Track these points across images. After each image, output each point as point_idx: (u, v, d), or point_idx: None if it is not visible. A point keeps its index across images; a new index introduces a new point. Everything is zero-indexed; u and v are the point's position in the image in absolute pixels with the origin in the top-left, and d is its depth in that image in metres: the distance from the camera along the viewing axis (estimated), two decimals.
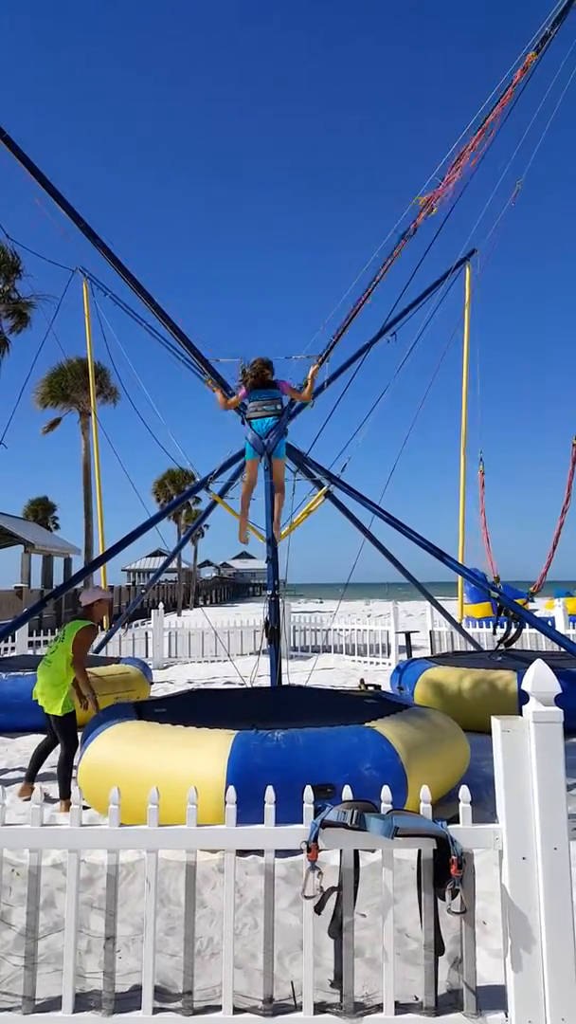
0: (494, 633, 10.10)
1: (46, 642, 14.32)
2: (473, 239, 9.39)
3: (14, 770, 6.84)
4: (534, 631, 13.04)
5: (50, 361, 27.69)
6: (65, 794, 5.78)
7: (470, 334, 12.78)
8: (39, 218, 7.99)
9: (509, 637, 9.53)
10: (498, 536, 10.64)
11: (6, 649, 13.41)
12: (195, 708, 6.40)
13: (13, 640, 13.59)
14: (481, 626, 15.51)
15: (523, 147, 7.36)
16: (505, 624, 9.64)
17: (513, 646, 9.79)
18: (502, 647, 9.64)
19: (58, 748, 6.03)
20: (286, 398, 7.53)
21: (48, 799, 5.74)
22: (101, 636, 13.78)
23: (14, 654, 13.02)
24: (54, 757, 6.24)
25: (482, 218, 8.25)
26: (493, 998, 2.72)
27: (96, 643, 13.47)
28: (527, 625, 9.67)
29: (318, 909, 2.80)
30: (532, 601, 9.73)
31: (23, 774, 6.63)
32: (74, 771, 5.81)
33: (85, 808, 5.38)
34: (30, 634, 14.38)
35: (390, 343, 9.82)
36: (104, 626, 14.10)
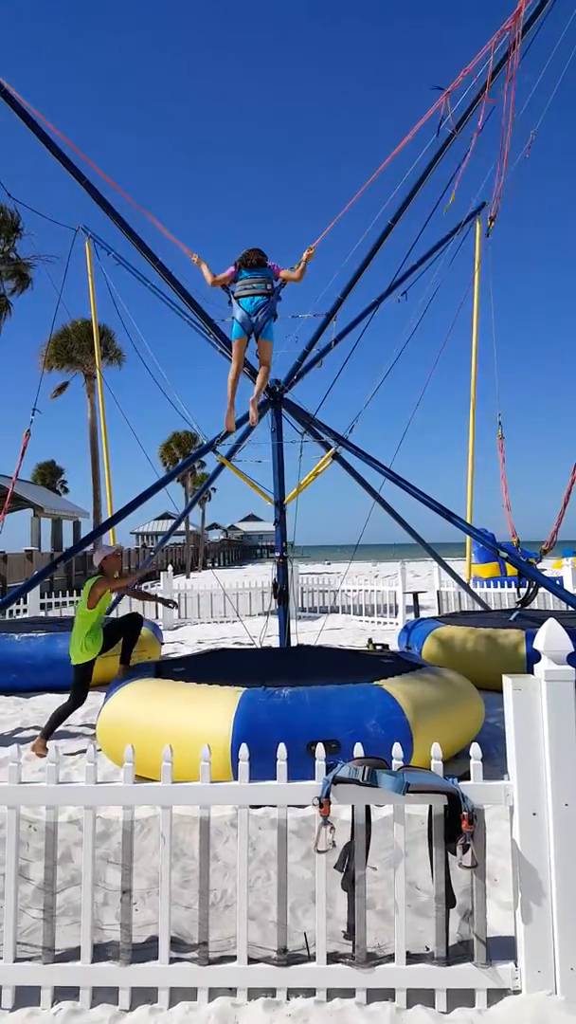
0: (517, 594, 10.12)
1: (57, 604, 14.45)
2: (483, 193, 9.10)
3: (28, 728, 6.95)
4: (542, 591, 13.05)
5: (54, 324, 27.40)
6: (45, 734, 6.17)
7: (482, 290, 12.53)
8: (40, 174, 7.81)
9: (525, 596, 9.58)
10: (513, 496, 10.50)
11: (18, 611, 13.54)
12: (212, 667, 6.51)
13: (25, 602, 13.71)
14: (489, 586, 15.54)
15: (537, 96, 7.10)
16: (522, 584, 9.69)
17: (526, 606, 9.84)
18: (519, 606, 9.69)
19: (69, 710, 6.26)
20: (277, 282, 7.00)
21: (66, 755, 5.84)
22: (112, 598, 13.90)
23: (26, 616, 13.15)
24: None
25: (494, 171, 7.99)
26: (503, 949, 2.77)
27: (109, 604, 13.61)
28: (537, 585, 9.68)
29: (340, 867, 2.85)
30: (540, 559, 9.69)
31: (37, 732, 6.74)
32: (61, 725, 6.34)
33: (98, 750, 5.56)
34: (41, 596, 14.50)
35: (400, 302, 9.62)
36: None
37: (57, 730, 6.47)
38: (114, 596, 6.58)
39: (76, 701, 6.23)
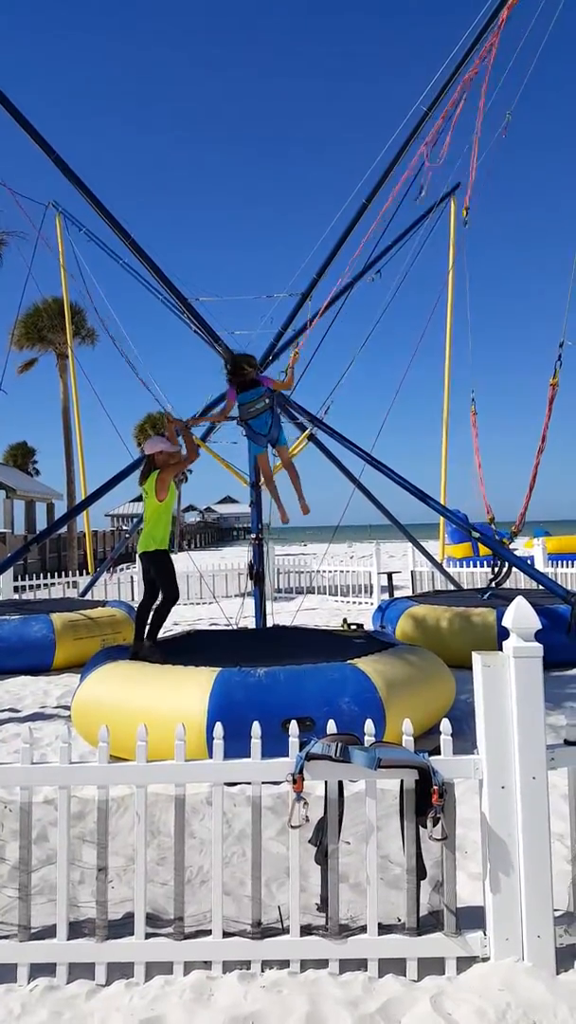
0: (492, 572, 10.21)
1: (31, 587, 14.33)
2: (458, 173, 9.09)
3: (3, 711, 6.92)
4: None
5: (23, 300, 26.89)
6: (149, 636, 6.09)
7: (456, 270, 12.56)
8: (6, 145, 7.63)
9: (500, 576, 9.68)
10: (486, 475, 10.59)
11: None
12: (188, 649, 6.50)
13: None
14: (462, 566, 15.70)
15: (512, 77, 7.10)
16: (493, 564, 9.79)
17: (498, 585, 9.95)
18: (492, 585, 9.79)
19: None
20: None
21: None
22: (86, 580, 13.84)
23: None
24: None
25: (469, 152, 7.97)
26: (472, 918, 2.84)
27: (82, 587, 13.53)
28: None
29: (314, 842, 2.89)
30: (512, 540, 9.79)
31: (11, 715, 6.73)
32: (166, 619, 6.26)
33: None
34: (15, 579, 14.37)
35: (374, 281, 9.60)
36: (89, 569, 14.11)
37: (31, 712, 6.46)
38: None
39: (173, 593, 6.20)
